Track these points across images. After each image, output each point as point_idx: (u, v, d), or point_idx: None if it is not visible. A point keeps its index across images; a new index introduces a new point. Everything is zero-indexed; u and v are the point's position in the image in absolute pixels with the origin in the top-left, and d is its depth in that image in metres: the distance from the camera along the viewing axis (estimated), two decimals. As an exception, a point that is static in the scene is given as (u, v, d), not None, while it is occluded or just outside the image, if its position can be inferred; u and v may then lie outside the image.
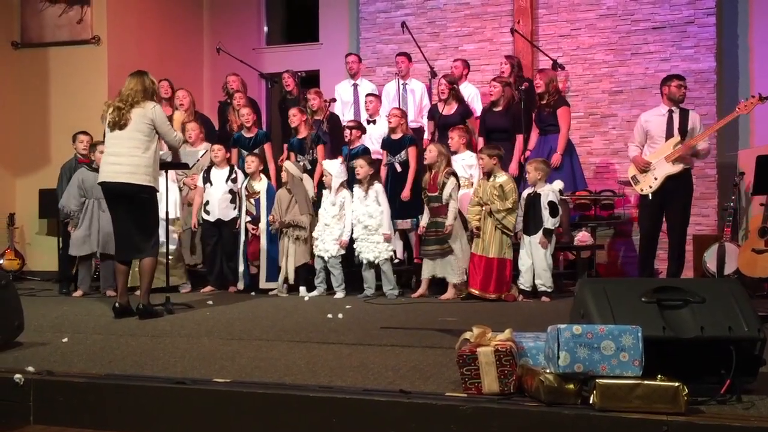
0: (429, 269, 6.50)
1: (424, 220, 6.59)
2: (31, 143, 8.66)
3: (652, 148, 6.31)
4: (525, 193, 6.44)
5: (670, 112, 6.28)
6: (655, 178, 6.20)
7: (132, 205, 5.26)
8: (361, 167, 6.57)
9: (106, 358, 3.74)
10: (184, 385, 3.11)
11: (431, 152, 6.52)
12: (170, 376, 3.24)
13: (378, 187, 6.61)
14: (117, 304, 5.32)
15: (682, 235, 6.29)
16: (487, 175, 6.39)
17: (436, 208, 6.46)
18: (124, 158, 5.20)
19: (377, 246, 6.51)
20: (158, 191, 5.42)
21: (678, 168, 6.12)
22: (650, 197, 6.29)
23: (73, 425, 3.15)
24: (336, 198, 6.68)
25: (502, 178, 6.30)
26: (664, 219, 6.41)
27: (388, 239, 6.52)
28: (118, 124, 5.21)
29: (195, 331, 4.65)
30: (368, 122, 7.62)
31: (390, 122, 7.15)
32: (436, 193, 6.44)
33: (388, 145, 7.19)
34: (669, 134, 6.20)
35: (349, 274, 6.87)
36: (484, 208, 6.30)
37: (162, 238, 5.92)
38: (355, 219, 6.57)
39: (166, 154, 5.73)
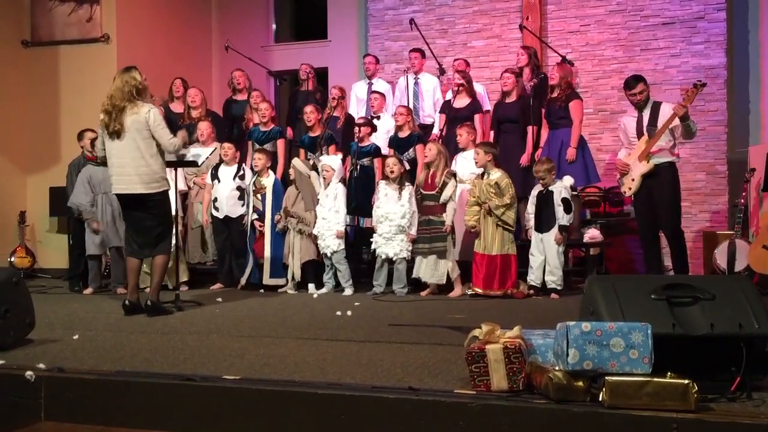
0: (416, 268, 6.51)
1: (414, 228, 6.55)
2: (41, 141, 8.70)
3: (630, 150, 6.27)
4: (536, 191, 6.42)
5: (640, 111, 6.22)
6: (633, 179, 6.15)
7: (146, 205, 5.29)
8: (395, 165, 6.56)
9: (116, 355, 3.76)
10: (193, 381, 3.12)
11: (431, 151, 6.54)
12: (180, 373, 3.26)
13: (410, 189, 6.60)
14: (127, 302, 5.33)
15: (675, 231, 6.19)
16: (481, 173, 6.40)
17: (431, 207, 6.47)
18: (130, 168, 5.21)
19: (400, 244, 6.50)
20: (169, 188, 5.43)
21: (650, 166, 6.04)
22: (633, 198, 6.26)
23: (83, 422, 3.17)
24: (330, 191, 6.69)
25: (496, 175, 6.30)
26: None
27: (412, 240, 6.52)
28: (113, 130, 5.19)
29: (204, 328, 4.67)
30: (372, 118, 7.62)
31: (397, 120, 7.16)
32: (434, 192, 6.45)
33: (396, 143, 7.19)
34: (639, 133, 6.16)
35: (357, 271, 6.88)
36: (483, 207, 6.29)
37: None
38: (383, 216, 6.54)
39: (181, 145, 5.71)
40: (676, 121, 5.93)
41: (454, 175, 6.55)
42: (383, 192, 6.62)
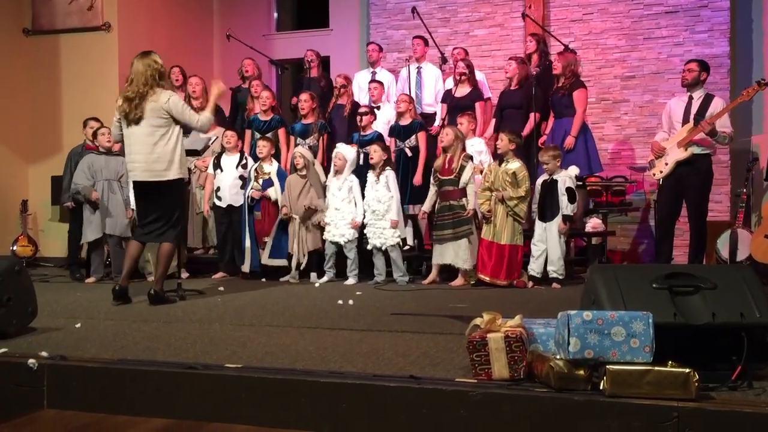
0: (439, 255, 6.47)
1: (427, 204, 6.56)
2: (42, 130, 8.70)
3: (672, 134, 6.28)
4: (540, 180, 6.41)
5: (690, 97, 6.23)
6: (666, 164, 6.17)
7: (159, 191, 5.25)
8: (375, 152, 6.56)
9: (119, 343, 3.77)
10: (195, 370, 3.13)
11: (448, 135, 6.46)
12: (182, 362, 3.27)
13: (390, 173, 6.60)
14: (117, 287, 5.26)
15: (699, 222, 6.23)
16: (499, 159, 6.37)
17: (450, 192, 6.41)
18: (146, 156, 5.17)
19: (384, 232, 6.50)
20: (187, 177, 5.43)
21: (687, 154, 6.06)
22: (661, 182, 6.26)
23: (86, 410, 3.18)
24: (344, 182, 6.68)
25: (515, 164, 6.26)
26: (684, 205, 6.37)
27: (394, 225, 6.51)
28: (132, 118, 5.14)
29: (206, 317, 4.68)
30: (372, 108, 7.60)
31: (398, 108, 7.13)
32: (452, 177, 6.40)
33: (397, 131, 7.18)
34: (685, 120, 6.16)
35: (359, 261, 6.88)
36: (494, 194, 6.27)
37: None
38: (366, 204, 6.59)
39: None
40: (725, 119, 5.96)
41: (471, 158, 6.51)
42: (368, 180, 6.64)
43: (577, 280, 6.51)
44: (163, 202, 5.28)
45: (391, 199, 6.54)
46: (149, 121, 5.15)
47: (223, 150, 7.20)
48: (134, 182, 5.35)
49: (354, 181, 6.71)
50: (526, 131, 7.15)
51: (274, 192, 6.89)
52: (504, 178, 6.24)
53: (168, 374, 3.15)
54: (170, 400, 3.10)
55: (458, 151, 6.44)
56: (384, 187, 6.54)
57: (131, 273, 5.44)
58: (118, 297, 5.24)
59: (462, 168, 6.38)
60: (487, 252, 6.27)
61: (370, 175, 6.64)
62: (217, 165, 7.15)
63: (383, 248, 6.55)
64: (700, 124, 5.96)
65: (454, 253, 6.38)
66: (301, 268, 6.78)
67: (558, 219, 6.22)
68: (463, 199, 6.37)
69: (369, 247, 6.60)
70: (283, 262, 6.85)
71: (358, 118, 7.13)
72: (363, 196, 6.71)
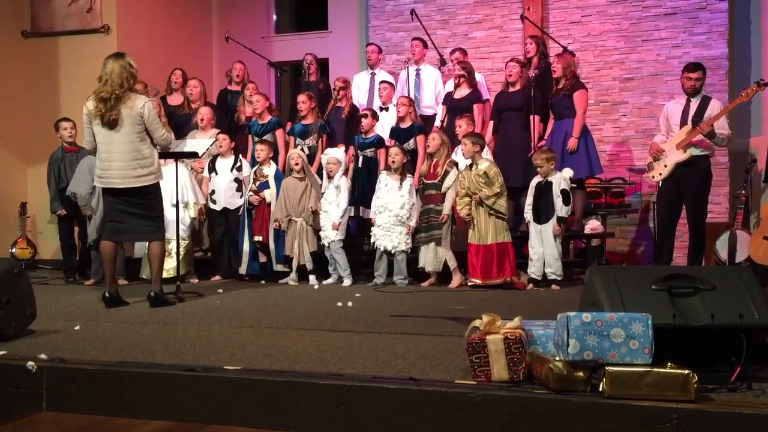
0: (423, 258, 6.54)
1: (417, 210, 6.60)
2: (42, 132, 8.67)
3: (670, 137, 6.30)
4: (535, 182, 6.41)
5: (688, 99, 6.25)
6: (665, 166, 6.19)
7: (136, 196, 5.21)
8: (397, 155, 6.55)
9: (118, 345, 3.77)
10: (194, 372, 3.13)
11: (434, 140, 6.54)
12: (181, 364, 3.27)
13: (411, 180, 6.63)
14: (107, 293, 5.24)
15: (697, 223, 6.25)
16: (469, 164, 6.40)
17: (432, 196, 6.48)
18: (123, 162, 5.12)
19: (398, 236, 6.51)
20: (161, 179, 5.37)
21: (686, 155, 6.08)
22: (660, 184, 6.28)
23: (85, 412, 3.18)
24: (334, 184, 6.68)
25: (484, 164, 6.31)
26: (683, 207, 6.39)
27: (410, 232, 6.53)
28: (108, 120, 5.06)
29: (205, 319, 4.68)
30: (381, 109, 7.60)
31: (399, 111, 7.14)
32: (435, 181, 6.46)
33: (397, 133, 7.18)
34: (683, 122, 6.18)
35: (358, 263, 6.87)
36: (473, 199, 6.29)
37: (173, 225, 5.97)
38: (382, 206, 6.55)
39: (176, 144, 5.71)
40: (723, 120, 5.99)
41: (456, 164, 6.55)
42: (383, 182, 6.62)
43: (576, 281, 6.52)
44: (145, 204, 5.24)
45: (413, 206, 6.55)
46: (129, 128, 5.10)
47: (218, 153, 7.19)
48: (111, 190, 5.21)
49: (342, 182, 6.71)
50: (534, 135, 7.13)
51: (269, 194, 6.89)
52: (477, 180, 6.28)
53: (167, 376, 3.14)
54: (169, 402, 3.10)
55: (443, 156, 6.49)
56: (408, 194, 6.54)
57: (114, 274, 5.41)
58: (110, 303, 5.22)
59: (446, 173, 6.43)
60: (475, 256, 6.30)
61: (388, 179, 6.59)
62: (212, 168, 7.14)
63: (393, 252, 6.54)
64: (698, 125, 5.97)
65: (426, 254, 6.45)
66: (309, 269, 6.74)
67: (553, 221, 6.23)
68: (441, 204, 6.42)
69: (381, 248, 6.56)
70: (287, 268, 6.85)
71: (359, 121, 7.14)
72: (355, 198, 6.72)
